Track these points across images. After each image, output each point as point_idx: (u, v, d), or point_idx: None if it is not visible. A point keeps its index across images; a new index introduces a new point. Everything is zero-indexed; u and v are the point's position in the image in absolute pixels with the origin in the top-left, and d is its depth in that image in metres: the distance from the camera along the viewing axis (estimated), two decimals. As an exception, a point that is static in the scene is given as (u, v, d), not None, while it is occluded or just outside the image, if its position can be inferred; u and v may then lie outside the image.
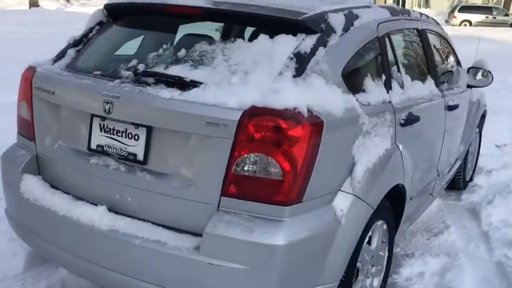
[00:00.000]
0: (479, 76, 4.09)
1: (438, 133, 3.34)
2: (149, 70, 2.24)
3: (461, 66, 4.15)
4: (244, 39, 2.29)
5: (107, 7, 2.70)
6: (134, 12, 2.63)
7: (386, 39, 2.76)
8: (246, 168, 1.97)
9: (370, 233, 2.48)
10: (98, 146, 2.27)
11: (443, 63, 3.94)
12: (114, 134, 2.22)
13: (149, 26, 2.63)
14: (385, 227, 2.69)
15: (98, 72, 2.36)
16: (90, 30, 2.71)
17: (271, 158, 1.94)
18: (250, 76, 2.08)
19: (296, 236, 1.98)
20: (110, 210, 2.22)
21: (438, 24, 3.87)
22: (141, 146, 2.16)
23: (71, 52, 2.62)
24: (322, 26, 2.30)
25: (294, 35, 2.23)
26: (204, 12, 2.37)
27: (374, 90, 2.48)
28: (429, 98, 3.12)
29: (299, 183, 1.98)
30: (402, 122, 2.65)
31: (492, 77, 4.07)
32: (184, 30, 2.60)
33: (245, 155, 1.96)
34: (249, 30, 2.45)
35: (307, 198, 2.02)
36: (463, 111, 4.03)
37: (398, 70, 2.84)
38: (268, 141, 1.94)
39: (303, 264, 2.05)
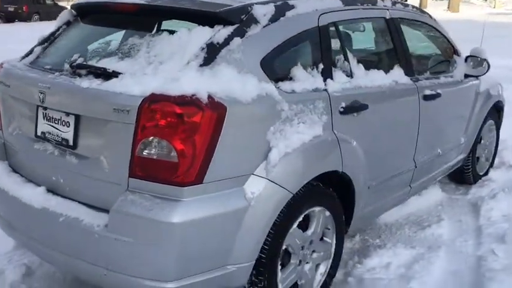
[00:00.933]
0: (476, 65, 3.95)
1: (408, 123, 3.29)
2: (82, 63, 2.45)
3: (458, 55, 4.03)
4: (168, 32, 2.43)
5: (73, 6, 2.94)
6: (89, 10, 2.85)
7: (332, 29, 2.79)
8: (147, 151, 2.11)
9: (300, 218, 2.53)
10: (42, 132, 2.51)
11: (427, 52, 3.85)
12: (53, 122, 2.45)
13: (101, 23, 2.83)
14: (327, 213, 2.72)
15: (49, 67, 2.61)
16: (58, 29, 2.97)
17: (168, 142, 2.08)
18: (161, 66, 2.23)
19: (194, 215, 2.10)
20: (48, 191, 2.45)
21: (424, 13, 3.79)
22: (71, 132, 2.37)
23: (37, 49, 2.89)
24: (242, 17, 2.40)
25: (211, 26, 2.34)
26: (137, 8, 2.54)
27: (304, 78, 2.53)
28: (391, 86, 3.09)
29: (197, 165, 2.09)
30: (341, 110, 2.67)
31: (488, 66, 3.92)
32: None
33: (145, 139, 2.10)
34: (174, 24, 2.58)
35: (208, 180, 2.13)
36: (456, 102, 3.92)
37: (346, 59, 2.85)
38: (165, 126, 2.07)
39: (207, 243, 2.16)
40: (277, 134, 2.34)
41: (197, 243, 2.14)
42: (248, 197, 2.23)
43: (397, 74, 3.20)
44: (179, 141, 2.07)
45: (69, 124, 2.38)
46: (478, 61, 3.93)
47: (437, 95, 3.53)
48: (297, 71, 2.53)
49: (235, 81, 2.22)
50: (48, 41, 2.93)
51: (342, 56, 2.84)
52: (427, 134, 3.53)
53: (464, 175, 4.62)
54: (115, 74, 2.27)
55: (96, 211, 2.26)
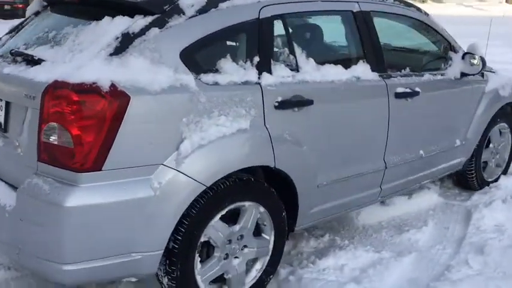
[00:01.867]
0: (472, 63, 3.70)
1: (373, 121, 3.15)
2: (17, 50, 2.56)
3: (455, 52, 3.79)
4: (97, 21, 2.48)
5: None
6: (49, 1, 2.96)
7: (276, 22, 2.73)
8: (49, 137, 2.18)
9: (223, 212, 2.51)
10: None
11: (408, 48, 3.66)
12: (-6, 106, 2.59)
13: (57, 11, 2.91)
14: (261, 209, 2.68)
15: (1, 54, 2.75)
16: (26, 18, 3.11)
17: (66, 129, 2.13)
18: (77, 55, 2.29)
19: (91, 201, 2.14)
20: None
21: (410, 6, 3.58)
22: (3, 117, 2.50)
23: (4, 39, 3.05)
24: (165, 8, 2.41)
25: (132, 16, 2.37)
26: None
27: (232, 71, 2.50)
28: (349, 82, 2.97)
29: (94, 152, 2.13)
30: (276, 104, 2.61)
31: (483, 64, 3.66)
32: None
33: (48, 125, 2.17)
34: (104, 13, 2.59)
35: (108, 168, 2.16)
36: (446, 101, 3.69)
37: (292, 53, 2.78)
38: (63, 112, 2.12)
39: (107, 229, 2.20)
40: (192, 125, 2.33)
41: (95, 229, 2.19)
42: (154, 187, 2.25)
43: (361, 69, 3.07)
44: (76, 128, 2.12)
45: (2, 108, 2.50)
46: (473, 58, 3.68)
47: (415, 93, 3.35)
48: (225, 64, 2.50)
49: (145, 72, 2.23)
50: (15, 30, 3.07)
51: (286, 50, 2.77)
52: (401, 134, 3.36)
53: (468, 180, 4.36)
54: (39, 61, 2.36)
55: (14, 192, 2.36)
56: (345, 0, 3.12)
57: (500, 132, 4.46)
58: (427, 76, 3.51)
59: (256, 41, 2.63)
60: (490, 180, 4.47)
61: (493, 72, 4.47)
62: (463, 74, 3.76)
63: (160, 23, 2.36)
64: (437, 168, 3.85)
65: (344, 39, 3.24)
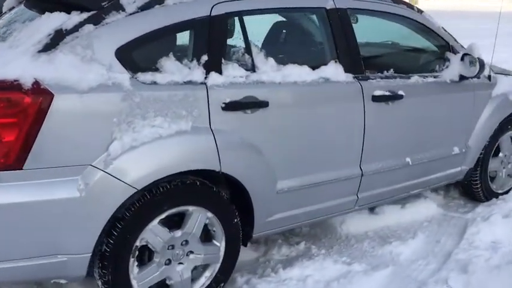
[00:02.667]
0: (471, 65, 3.43)
1: (344, 125, 2.96)
2: None
3: (454, 53, 3.52)
4: (39, 17, 2.45)
5: None
6: None
7: (232, 20, 2.61)
8: (-27, 133, 2.16)
9: (162, 216, 2.43)
10: None
11: (395, 48, 3.42)
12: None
13: (28, 7, 2.87)
14: (209, 214, 2.57)
15: None
16: (3, 13, 3.14)
17: None
18: (8, 51, 2.26)
19: (9, 200, 2.11)
20: None
21: (399, 3, 3.34)
22: None
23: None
24: (103, 4, 2.34)
25: (68, 12, 2.32)
26: None
27: (174, 70, 2.40)
28: (315, 84, 2.80)
29: (15, 151, 2.09)
30: (224, 105, 2.49)
31: (481, 66, 3.37)
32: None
33: None
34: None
35: (29, 167, 2.12)
36: (439, 106, 3.43)
37: (248, 52, 2.64)
38: None
39: (27, 229, 2.16)
40: (123, 125, 2.26)
41: (16, 228, 2.15)
42: (80, 188, 2.19)
43: (332, 70, 2.89)
44: None
45: None
46: (470, 60, 3.40)
47: (397, 97, 3.13)
48: (166, 62, 2.41)
49: (74, 69, 2.18)
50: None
51: (242, 49, 2.64)
52: (382, 140, 3.15)
53: (473, 191, 4.06)
54: None
55: None
56: (317, -3, 2.94)
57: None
58: (414, 78, 3.27)
59: (205, 40, 2.52)
60: (500, 191, 4.14)
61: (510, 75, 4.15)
62: (462, 77, 3.48)
63: (96, 20, 2.30)
64: (431, 177, 3.59)
65: (314, 38, 3.06)
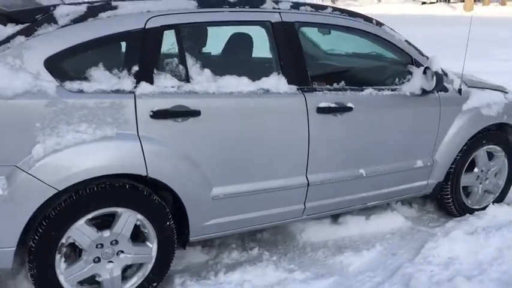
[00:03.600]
0: (431, 78, 3.40)
1: (286, 135, 3.02)
2: None
3: (417, 66, 3.50)
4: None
5: None
6: None
7: (167, 32, 2.73)
8: None
9: (88, 216, 2.58)
10: None
11: (348, 61, 3.43)
12: None
13: None
14: (139, 216, 2.71)
15: None
16: None
17: None
18: None
19: None
20: None
21: (356, 16, 3.36)
22: None
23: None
24: (37, 17, 2.53)
25: (4, 25, 2.53)
26: None
27: (102, 80, 2.55)
28: (254, 95, 2.89)
29: None
30: (152, 114, 2.63)
31: (437, 80, 3.33)
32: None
33: None
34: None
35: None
36: (397, 119, 3.43)
37: (183, 63, 2.76)
38: None
39: None
40: (47, 130, 2.43)
41: None
42: (3, 187, 2.38)
43: (273, 82, 2.97)
44: None
45: None
46: (428, 74, 3.38)
47: (346, 109, 3.16)
48: (95, 72, 2.56)
49: (1, 77, 2.37)
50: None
51: (176, 60, 2.76)
52: (329, 151, 3.19)
53: (446, 205, 4.00)
54: None
55: None
56: (261, 11, 3.02)
57: (492, 155, 4.04)
58: (368, 91, 3.28)
59: (138, 51, 2.66)
60: (476, 207, 4.06)
61: (504, 91, 4.08)
62: (426, 90, 3.46)
63: (28, 32, 2.49)
64: (391, 189, 3.58)
65: (257, 50, 3.14)
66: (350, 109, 3.18)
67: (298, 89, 3.04)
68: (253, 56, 3.24)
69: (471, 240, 3.54)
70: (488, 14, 29.67)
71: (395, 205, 4.09)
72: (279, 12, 3.05)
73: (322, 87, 3.15)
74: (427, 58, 3.59)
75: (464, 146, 3.78)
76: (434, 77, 3.33)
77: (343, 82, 3.25)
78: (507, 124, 3.99)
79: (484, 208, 4.05)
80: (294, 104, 3.02)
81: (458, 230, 3.60)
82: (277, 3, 3.08)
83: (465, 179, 3.94)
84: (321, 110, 3.09)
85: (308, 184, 3.17)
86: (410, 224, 3.91)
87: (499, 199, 4.16)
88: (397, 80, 3.48)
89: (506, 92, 4.16)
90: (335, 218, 3.85)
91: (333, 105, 3.12)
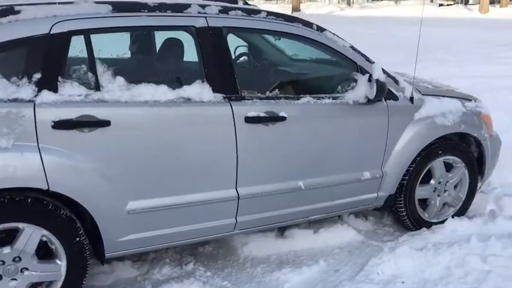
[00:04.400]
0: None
1: (210, 146, 2.87)
2: None
3: (362, 73, 3.32)
4: None
5: None
6: None
7: (76, 38, 2.60)
8: None
9: None
10: None
11: (284, 68, 3.26)
12: None
13: None
14: (44, 232, 2.58)
15: None
16: None
17: None
18: None
19: None
20: None
21: (294, 21, 3.19)
22: None
23: None
24: None
25: None
26: None
27: None
28: (170, 103, 2.74)
29: None
30: (53, 124, 2.49)
31: (377, 89, 3.15)
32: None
33: None
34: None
35: None
36: (338, 129, 3.25)
37: (92, 71, 2.63)
38: None
39: None
40: None
41: None
42: None
43: (196, 90, 2.82)
44: None
45: None
46: (370, 82, 3.20)
47: (278, 119, 3.00)
48: None
49: None
50: None
51: (85, 67, 2.63)
52: (262, 163, 3.03)
53: (400, 219, 3.81)
54: None
55: None
56: (185, 16, 2.87)
57: (451, 167, 3.83)
58: (305, 99, 3.12)
59: (40, 58, 2.53)
60: (434, 221, 3.85)
61: (467, 99, 3.89)
62: (370, 99, 3.28)
63: None
64: (337, 202, 3.40)
65: (179, 57, 3.00)
66: (283, 119, 3.02)
67: (224, 98, 2.89)
68: (178, 62, 3.09)
69: (419, 256, 3.36)
70: (505, 16, 29.22)
71: (348, 218, 3.91)
72: (205, 17, 2.91)
73: (253, 96, 3.00)
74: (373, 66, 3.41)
75: (417, 156, 3.59)
76: (375, 85, 3.15)
77: (277, 90, 3.09)
78: (468, 134, 3.79)
79: (443, 222, 3.84)
80: (218, 113, 2.87)
81: (406, 246, 3.41)
82: (203, 7, 2.93)
83: (421, 191, 3.75)
84: (249, 120, 2.93)
85: (238, 197, 3.01)
86: (362, 238, 3.73)
87: (460, 212, 3.95)
88: (339, 87, 3.31)
89: (469, 100, 3.95)
90: (281, 231, 3.69)
91: (262, 114, 2.96)
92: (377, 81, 3.16)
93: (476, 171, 3.91)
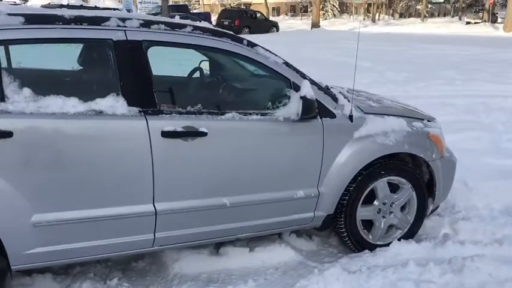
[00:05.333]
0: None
1: (122, 159, 2.83)
2: None
3: (296, 90, 3.25)
4: None
5: None
6: None
7: None
8: None
9: None
10: None
11: (207, 81, 3.21)
12: None
13: None
14: None
15: None
16: None
17: None
18: None
19: None
20: None
21: (223, 36, 3.14)
22: None
23: None
24: None
25: None
26: None
27: None
28: (79, 115, 2.72)
29: None
30: None
31: (303, 107, 3.09)
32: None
33: None
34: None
35: None
36: (260, 146, 3.17)
37: None
38: None
39: None
40: None
41: None
42: None
43: (108, 103, 2.80)
44: None
45: None
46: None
47: (198, 134, 2.96)
48: None
49: None
50: None
51: None
52: (180, 178, 2.98)
53: (342, 240, 3.70)
54: None
55: None
56: (102, 29, 2.86)
57: (398, 188, 3.71)
58: (229, 115, 3.07)
59: None
60: (379, 243, 3.73)
61: (423, 120, 3.80)
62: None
63: None
64: (267, 221, 3.33)
65: (94, 69, 2.98)
66: (204, 134, 2.97)
67: (140, 112, 2.86)
68: (93, 75, 3.08)
69: (350, 279, 3.24)
70: (529, 34, 28.78)
71: (288, 237, 3.82)
72: (124, 31, 2.89)
73: (172, 110, 2.96)
74: (311, 82, 3.34)
75: (358, 176, 3.49)
76: (301, 103, 3.08)
77: (200, 105, 3.05)
78: (413, 155, 3.67)
79: (388, 244, 3.71)
80: (132, 127, 2.84)
81: (338, 268, 3.30)
82: (124, 21, 2.92)
83: (363, 212, 3.64)
84: (166, 134, 2.89)
85: (156, 213, 2.97)
86: (301, 259, 3.64)
87: (409, 235, 3.81)
88: (270, 104, 3.25)
89: (421, 120, 3.84)
90: (216, 248, 3.62)
91: (180, 129, 2.92)
92: (304, 98, 3.09)
93: (424, 193, 3.78)
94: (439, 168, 3.79)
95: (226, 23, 28.04)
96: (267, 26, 29.92)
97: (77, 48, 3.14)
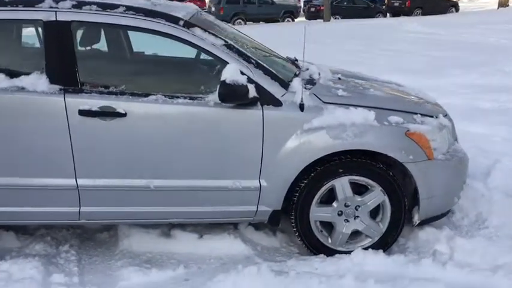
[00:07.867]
0: None
1: (44, 134, 2.98)
2: None
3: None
4: None
5: None
6: None
7: None
8: None
9: None
10: None
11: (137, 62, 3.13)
12: None
13: None
14: None
15: None
16: None
17: None
18: None
19: None
20: None
21: (156, 16, 3.07)
22: None
23: None
24: None
25: None
26: None
27: None
28: (3, 91, 2.95)
29: None
30: None
31: (221, 91, 2.89)
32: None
33: None
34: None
35: None
36: (187, 130, 3.09)
37: None
38: None
39: None
40: None
41: None
42: None
43: (31, 80, 2.98)
44: None
45: None
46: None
47: (116, 114, 2.99)
48: None
49: None
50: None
51: None
52: (99, 156, 3.06)
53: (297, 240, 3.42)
54: None
55: None
56: (34, 10, 3.02)
57: (366, 189, 3.29)
58: (152, 97, 3.03)
59: None
60: (340, 249, 3.35)
61: (417, 114, 3.33)
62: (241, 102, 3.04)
63: None
64: (200, 209, 3.23)
65: (23, 48, 3.15)
66: (123, 115, 2.99)
67: (61, 90, 3.00)
68: (20, 53, 3.26)
69: (271, 282, 2.98)
70: None
71: (245, 230, 3.63)
72: (55, 11, 3.03)
73: (93, 90, 3.03)
74: (255, 66, 3.13)
75: (311, 172, 3.18)
76: (217, 87, 2.91)
77: (124, 86, 3.07)
78: (380, 153, 3.20)
79: (350, 252, 3.31)
80: (50, 104, 2.99)
81: (262, 268, 3.05)
82: (57, 2, 3.06)
83: (319, 213, 3.30)
84: (83, 113, 2.99)
85: (78, 187, 3.10)
86: (250, 253, 3.45)
87: (380, 245, 3.35)
88: (203, 87, 3.12)
89: (415, 114, 3.31)
90: (167, 229, 3.62)
91: (95, 108, 2.98)
92: (223, 82, 2.91)
93: (400, 199, 3.27)
94: (422, 171, 3.24)
95: (396, 4, 26.56)
96: (445, 7, 27.24)
97: (16, 28, 3.37)
